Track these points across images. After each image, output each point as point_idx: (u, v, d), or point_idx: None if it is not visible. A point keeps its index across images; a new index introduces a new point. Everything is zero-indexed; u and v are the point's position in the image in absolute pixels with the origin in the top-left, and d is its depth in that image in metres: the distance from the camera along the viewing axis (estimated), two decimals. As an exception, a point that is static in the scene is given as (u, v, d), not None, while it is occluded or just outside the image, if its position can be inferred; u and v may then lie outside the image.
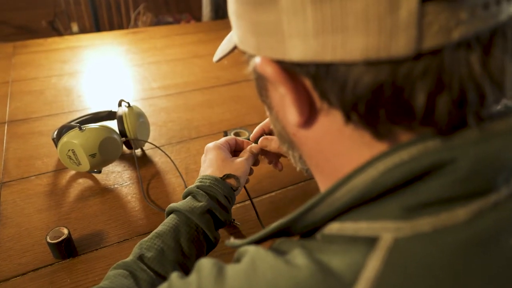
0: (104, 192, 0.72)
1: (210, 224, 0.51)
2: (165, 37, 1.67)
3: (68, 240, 0.56)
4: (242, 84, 1.19)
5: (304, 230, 0.28)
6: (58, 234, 0.57)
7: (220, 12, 2.91)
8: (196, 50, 1.51)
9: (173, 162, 0.79)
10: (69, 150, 0.68)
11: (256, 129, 0.61)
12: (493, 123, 0.23)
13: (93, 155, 0.68)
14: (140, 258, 0.45)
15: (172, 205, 0.52)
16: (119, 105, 0.82)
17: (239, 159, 0.57)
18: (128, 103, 0.80)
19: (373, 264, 0.21)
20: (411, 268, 0.21)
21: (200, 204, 0.50)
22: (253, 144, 0.61)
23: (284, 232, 0.28)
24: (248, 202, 0.68)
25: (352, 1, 0.20)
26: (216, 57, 0.38)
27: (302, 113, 0.26)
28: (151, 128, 0.91)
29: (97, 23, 2.99)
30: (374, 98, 0.22)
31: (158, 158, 0.82)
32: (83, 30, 3.04)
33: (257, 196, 0.70)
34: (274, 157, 0.63)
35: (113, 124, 0.77)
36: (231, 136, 0.64)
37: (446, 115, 0.22)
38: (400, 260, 0.21)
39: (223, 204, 0.52)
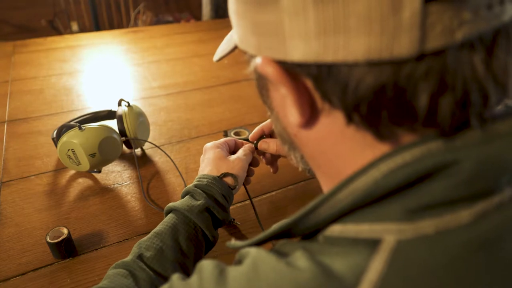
0: (104, 191, 0.72)
1: (208, 223, 0.51)
2: (165, 36, 1.67)
3: (68, 240, 0.56)
4: (242, 84, 1.19)
5: (305, 232, 0.28)
6: (58, 233, 0.57)
7: (220, 11, 2.91)
8: (196, 49, 1.50)
9: (173, 162, 0.79)
10: (69, 150, 0.68)
11: (256, 129, 0.61)
12: (496, 124, 0.22)
13: (93, 155, 0.68)
14: (140, 257, 0.45)
15: (171, 204, 0.52)
16: (119, 104, 0.82)
17: (235, 157, 0.57)
18: (128, 102, 0.80)
19: (376, 266, 0.21)
20: (414, 271, 0.21)
21: (198, 203, 0.51)
22: (248, 144, 0.61)
23: (285, 233, 0.28)
24: (248, 202, 0.68)
25: (355, 2, 0.19)
26: (216, 56, 0.38)
27: (303, 113, 0.26)
28: (151, 127, 0.91)
29: (97, 22, 2.99)
30: (376, 99, 0.22)
31: (158, 157, 0.82)
32: (82, 29, 3.04)
33: (257, 196, 0.70)
34: (272, 159, 0.63)
35: (113, 124, 0.77)
36: (231, 137, 0.64)
37: (449, 116, 0.21)
38: (403, 262, 0.21)
39: (221, 203, 0.52)
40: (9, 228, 0.63)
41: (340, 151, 0.27)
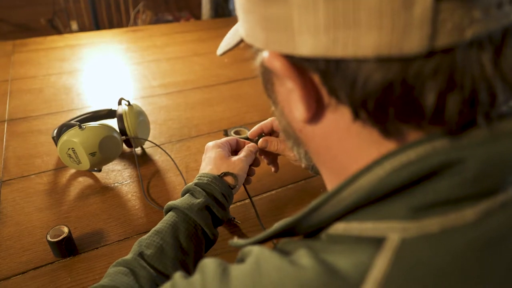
0: (104, 190, 0.72)
1: (208, 221, 0.51)
2: (165, 35, 1.67)
3: (69, 238, 0.56)
4: (242, 82, 1.19)
5: (308, 230, 0.27)
6: (58, 232, 0.57)
7: (219, 10, 2.91)
8: (196, 48, 1.50)
9: (173, 161, 0.79)
10: (69, 149, 0.68)
11: (255, 128, 0.61)
12: (503, 123, 0.22)
13: (93, 154, 0.68)
14: (140, 255, 0.46)
15: (171, 202, 0.52)
16: (119, 103, 0.82)
17: (237, 157, 0.57)
18: (128, 101, 0.80)
19: (380, 264, 0.21)
20: (419, 269, 0.21)
21: (198, 201, 0.51)
22: (251, 143, 0.61)
23: (288, 232, 0.28)
24: (248, 200, 0.68)
25: None
26: (220, 50, 0.38)
27: (309, 109, 0.26)
28: (151, 126, 0.91)
29: (97, 21, 2.99)
30: (383, 95, 0.21)
31: (158, 156, 0.82)
32: (82, 28, 3.04)
33: (258, 195, 0.70)
34: (272, 158, 0.64)
35: (113, 123, 0.77)
36: (233, 136, 0.64)
37: (456, 114, 0.21)
38: (408, 260, 0.21)
39: (220, 201, 0.53)
40: (10, 227, 0.63)
41: (345, 148, 0.27)
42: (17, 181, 0.74)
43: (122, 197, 0.70)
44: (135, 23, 2.97)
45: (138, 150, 0.83)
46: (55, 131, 0.73)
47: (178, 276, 0.31)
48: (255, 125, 0.62)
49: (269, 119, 0.61)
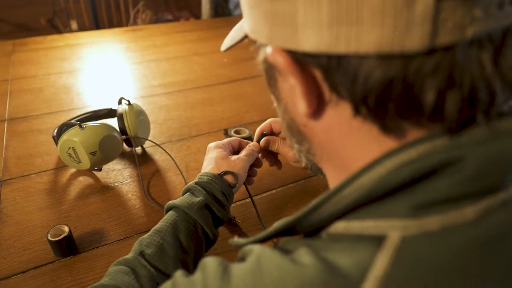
0: (105, 190, 0.72)
1: (208, 220, 0.51)
2: (165, 34, 1.67)
3: (69, 238, 0.56)
4: (242, 82, 1.19)
5: (309, 229, 0.28)
6: (59, 232, 0.57)
7: (219, 9, 2.91)
8: (195, 48, 1.50)
9: (173, 160, 0.79)
10: (69, 148, 0.68)
11: (256, 132, 0.61)
12: (502, 122, 0.23)
13: (93, 153, 0.68)
14: (141, 254, 0.46)
15: (171, 202, 0.52)
16: (119, 103, 0.82)
17: (237, 156, 0.58)
18: (128, 101, 0.80)
19: (381, 262, 0.21)
20: (419, 267, 0.21)
21: (198, 199, 0.51)
22: (253, 142, 0.61)
23: (289, 231, 0.28)
24: (249, 199, 0.68)
25: None
26: (224, 46, 0.38)
27: (310, 104, 0.26)
28: (151, 126, 0.91)
29: (96, 21, 2.99)
30: (384, 92, 0.22)
31: (158, 156, 0.82)
32: (82, 28, 3.03)
33: (258, 194, 0.70)
34: (274, 158, 0.63)
35: (113, 122, 0.77)
36: (235, 137, 0.64)
37: (455, 112, 0.22)
38: (408, 258, 0.21)
39: (220, 200, 0.53)
40: (10, 227, 0.63)
41: (346, 143, 0.27)
42: (18, 180, 0.74)
43: (122, 196, 0.70)
44: (135, 23, 2.97)
45: (138, 149, 0.83)
46: (55, 131, 0.73)
47: (179, 274, 0.31)
48: (255, 124, 0.62)
49: (268, 120, 0.61)
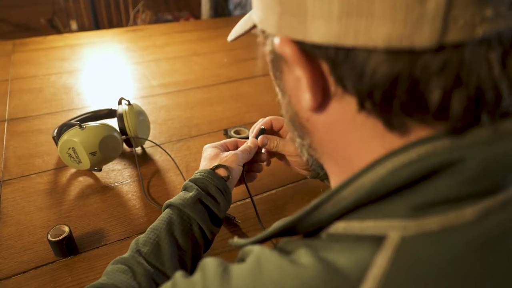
0: (105, 190, 0.72)
1: (202, 215, 0.50)
2: (165, 35, 1.67)
3: (69, 238, 0.57)
4: (242, 82, 1.19)
5: (309, 229, 0.28)
6: (59, 232, 0.57)
7: (219, 9, 2.91)
8: (195, 48, 1.50)
9: (173, 160, 0.79)
10: (69, 148, 0.68)
11: (256, 127, 0.61)
12: (506, 123, 0.23)
13: (93, 153, 0.68)
14: (138, 252, 0.46)
15: (168, 201, 0.52)
16: (119, 103, 0.82)
17: (228, 152, 0.58)
18: (128, 101, 0.80)
19: (380, 262, 0.21)
20: (418, 267, 0.21)
21: (190, 194, 0.51)
22: (251, 139, 0.61)
23: (288, 231, 0.28)
24: (249, 199, 0.68)
25: None
26: (231, 36, 0.38)
27: (315, 97, 0.26)
28: (151, 126, 0.91)
29: (96, 21, 2.99)
30: (390, 87, 0.22)
31: (158, 156, 0.82)
32: (82, 28, 3.03)
33: (258, 194, 0.70)
34: (269, 156, 0.64)
35: (113, 122, 0.77)
36: (233, 138, 0.64)
37: (460, 111, 0.22)
38: (408, 258, 0.21)
39: (213, 195, 0.52)
40: (10, 227, 0.63)
41: (349, 139, 0.27)
42: (18, 180, 0.74)
43: (122, 196, 0.70)
44: (135, 23, 2.97)
45: (138, 149, 0.84)
46: (56, 131, 0.73)
47: (179, 275, 0.31)
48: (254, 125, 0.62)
49: (269, 117, 0.61)
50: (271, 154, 0.63)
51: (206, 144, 0.62)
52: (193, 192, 0.51)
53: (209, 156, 0.58)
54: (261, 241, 0.30)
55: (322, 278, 0.22)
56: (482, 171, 0.21)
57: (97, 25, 3.00)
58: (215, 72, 1.26)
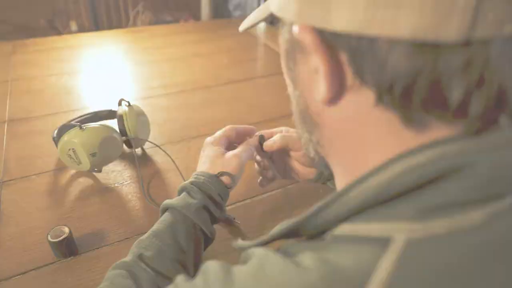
0: (105, 191, 0.72)
1: (205, 220, 0.51)
2: (165, 36, 1.67)
3: (69, 239, 0.57)
4: (242, 84, 1.19)
5: (313, 232, 0.27)
6: (59, 233, 0.57)
7: (219, 11, 2.92)
8: (195, 49, 1.50)
9: (173, 161, 0.79)
10: (69, 149, 0.68)
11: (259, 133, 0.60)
12: None
13: (93, 154, 0.68)
14: (139, 257, 0.45)
15: (167, 201, 0.51)
16: (119, 104, 0.82)
17: (232, 153, 0.56)
18: (128, 102, 0.80)
19: (386, 265, 0.21)
20: (424, 271, 0.20)
21: (195, 201, 0.50)
22: (251, 138, 0.60)
23: (293, 233, 0.28)
24: (249, 200, 0.68)
25: None
26: (243, 26, 0.37)
27: (331, 88, 0.25)
28: (151, 127, 0.91)
29: (96, 22, 2.99)
30: (411, 81, 0.21)
31: (158, 157, 0.82)
32: (82, 29, 3.03)
33: (258, 195, 0.70)
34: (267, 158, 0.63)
35: (113, 123, 0.78)
36: (230, 126, 0.61)
37: (480, 111, 0.21)
38: (413, 262, 0.21)
39: (217, 202, 0.52)
40: (10, 227, 0.63)
41: (363, 135, 0.26)
42: (18, 181, 0.74)
43: (122, 197, 0.70)
44: (135, 24, 2.98)
45: (138, 150, 0.84)
46: (56, 132, 0.73)
47: (180, 278, 0.31)
48: (255, 125, 0.62)
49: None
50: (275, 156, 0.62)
51: (205, 140, 0.60)
52: (198, 199, 0.51)
53: (211, 156, 0.56)
54: (265, 243, 0.29)
55: (326, 281, 0.21)
56: (492, 176, 0.21)
57: (97, 26, 3.00)
58: (215, 73, 1.26)
